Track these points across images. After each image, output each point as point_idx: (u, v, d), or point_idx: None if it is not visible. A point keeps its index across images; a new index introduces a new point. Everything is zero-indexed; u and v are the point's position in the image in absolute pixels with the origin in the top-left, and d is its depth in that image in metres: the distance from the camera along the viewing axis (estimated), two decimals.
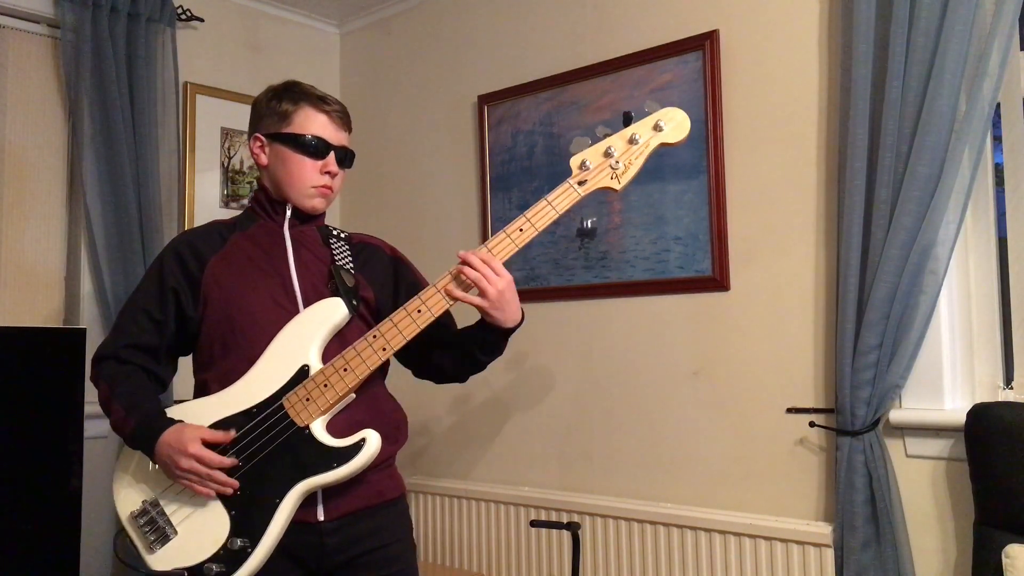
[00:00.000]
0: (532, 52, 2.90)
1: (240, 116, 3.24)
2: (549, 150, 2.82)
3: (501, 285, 1.63)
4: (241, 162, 3.26)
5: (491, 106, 2.99)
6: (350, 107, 3.84)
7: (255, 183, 1.81)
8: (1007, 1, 1.92)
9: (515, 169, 2.91)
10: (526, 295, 2.84)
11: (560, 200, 1.64)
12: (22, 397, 2.37)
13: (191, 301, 1.70)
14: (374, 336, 1.63)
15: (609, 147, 1.64)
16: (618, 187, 1.64)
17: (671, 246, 2.52)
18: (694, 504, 2.43)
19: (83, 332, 2.50)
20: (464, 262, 1.63)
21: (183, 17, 3.02)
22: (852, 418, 2.08)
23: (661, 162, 2.54)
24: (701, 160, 2.45)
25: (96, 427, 2.73)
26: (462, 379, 1.87)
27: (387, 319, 1.64)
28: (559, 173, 2.77)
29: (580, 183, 1.64)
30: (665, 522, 2.41)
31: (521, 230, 1.63)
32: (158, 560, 1.60)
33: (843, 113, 2.14)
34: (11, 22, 2.76)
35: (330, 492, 1.63)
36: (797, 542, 2.18)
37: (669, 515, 2.41)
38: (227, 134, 3.22)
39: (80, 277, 2.79)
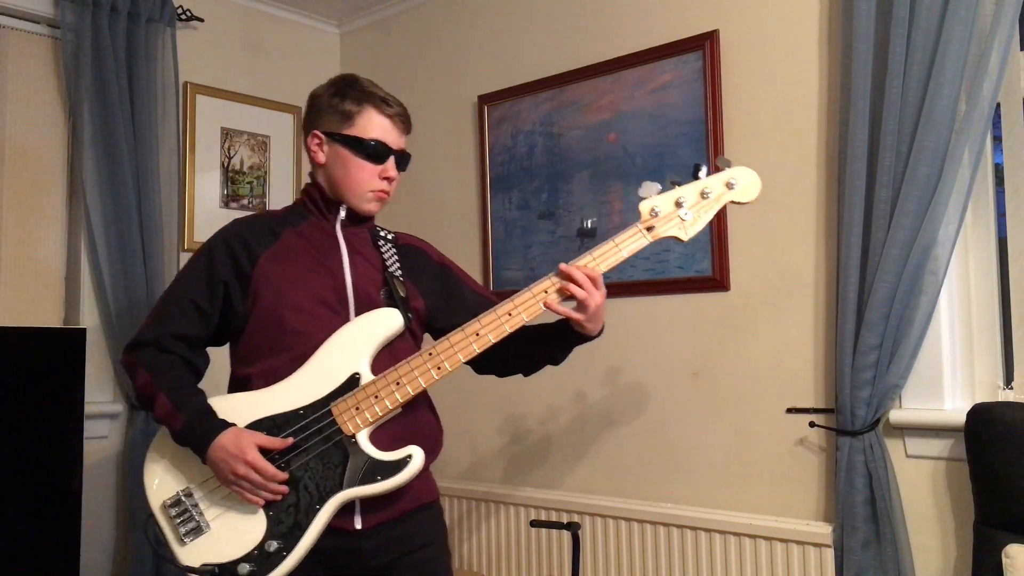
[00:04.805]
0: (532, 52, 2.90)
1: (240, 116, 3.25)
2: (549, 150, 2.82)
3: (600, 299, 1.63)
4: (241, 162, 3.26)
5: (491, 106, 2.99)
6: None
7: (309, 177, 1.77)
8: (1007, 1, 1.92)
9: (515, 169, 2.91)
10: None
11: (627, 243, 1.64)
12: (22, 397, 2.37)
13: (240, 295, 1.67)
14: (429, 354, 1.61)
15: (680, 197, 1.65)
16: (684, 239, 1.65)
17: (671, 246, 2.52)
18: (694, 504, 2.43)
19: (83, 332, 2.50)
20: (569, 277, 1.61)
21: (183, 17, 3.02)
22: (852, 418, 2.08)
23: (661, 162, 2.54)
24: (701, 160, 2.44)
25: (96, 427, 2.74)
26: (527, 374, 1.86)
27: (444, 339, 1.62)
28: (559, 173, 2.79)
29: (648, 228, 1.64)
30: (665, 522, 2.41)
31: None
32: (188, 553, 1.58)
33: (843, 113, 2.14)
34: (11, 22, 2.75)
35: (368, 502, 1.61)
36: (797, 542, 2.18)
37: (669, 515, 2.41)
38: (227, 134, 3.22)
39: (80, 277, 2.79)
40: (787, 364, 2.30)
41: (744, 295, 2.39)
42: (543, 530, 2.63)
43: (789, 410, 2.28)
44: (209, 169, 3.16)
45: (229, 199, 3.22)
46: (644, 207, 1.65)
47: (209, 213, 3.14)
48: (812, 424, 2.22)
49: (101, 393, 2.78)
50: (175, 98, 2.96)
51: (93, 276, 2.76)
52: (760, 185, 1.67)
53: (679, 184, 1.67)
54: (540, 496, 2.70)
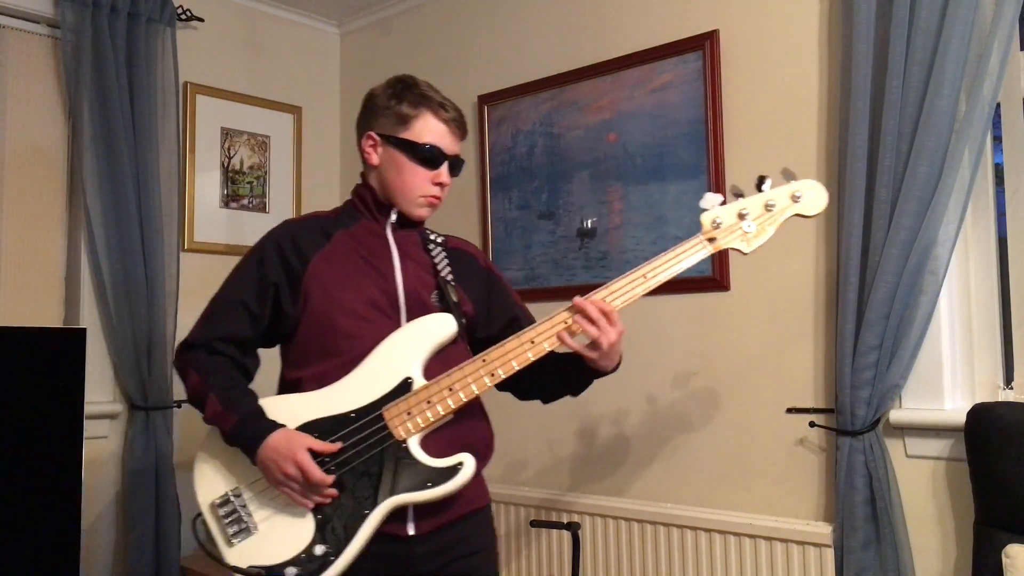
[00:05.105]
0: (532, 52, 2.90)
1: (240, 116, 3.25)
2: (549, 150, 2.82)
3: (614, 337, 1.59)
4: (241, 162, 3.26)
5: (491, 106, 2.99)
6: (350, 107, 3.83)
7: (361, 178, 1.77)
8: (1007, 1, 1.92)
9: (515, 169, 2.91)
10: (526, 295, 2.85)
11: (688, 254, 1.63)
12: (22, 397, 2.37)
13: (290, 298, 1.65)
14: (483, 361, 1.59)
15: (743, 209, 1.62)
16: (747, 251, 1.63)
17: (671, 246, 2.51)
18: (694, 504, 2.43)
19: (83, 332, 2.50)
20: (581, 312, 1.58)
21: (183, 17, 3.02)
22: (852, 418, 2.08)
23: (661, 162, 2.54)
24: (701, 160, 2.45)
25: (96, 427, 2.74)
26: (546, 402, 1.85)
27: (498, 346, 1.60)
28: (559, 173, 2.79)
29: (710, 240, 1.63)
30: (665, 522, 2.41)
31: (645, 277, 1.62)
32: (235, 554, 1.56)
33: (843, 113, 2.14)
34: (11, 22, 2.76)
35: (421, 508, 1.59)
36: (797, 542, 2.18)
37: (669, 515, 2.41)
38: (227, 134, 3.22)
39: (80, 277, 2.79)
40: (787, 364, 2.30)
41: (744, 295, 2.39)
42: (543, 530, 2.63)
43: (789, 410, 2.28)
44: (209, 169, 3.16)
45: (229, 199, 3.22)
46: (706, 219, 1.63)
47: (209, 213, 3.14)
48: (812, 424, 2.22)
49: (101, 393, 2.78)
50: (175, 98, 2.96)
51: (93, 276, 2.76)
52: (827, 198, 1.64)
53: (742, 196, 1.64)
54: (540, 496, 2.70)
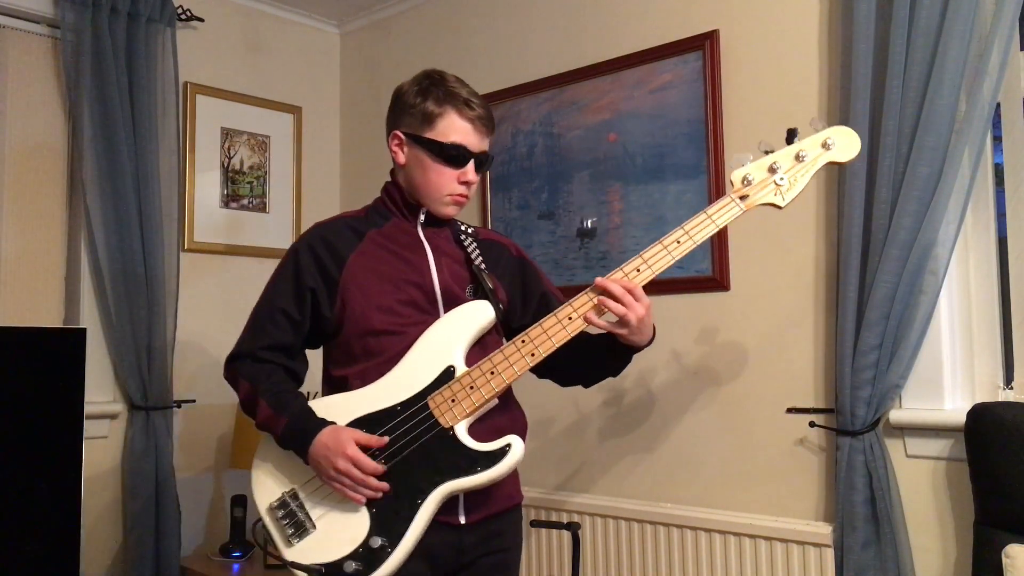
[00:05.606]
0: (532, 52, 2.90)
1: (240, 116, 3.25)
2: (549, 150, 2.82)
3: (642, 312, 1.58)
4: (241, 162, 3.26)
5: (491, 106, 2.98)
6: (350, 107, 3.83)
7: (390, 175, 1.79)
8: (1007, 1, 1.92)
9: (515, 169, 2.91)
10: None
11: (720, 214, 1.60)
12: (22, 397, 2.37)
13: (328, 301, 1.68)
14: (523, 341, 1.60)
15: (774, 163, 1.60)
16: (782, 204, 1.61)
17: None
18: (694, 504, 2.43)
19: (83, 332, 2.50)
20: (605, 291, 1.58)
21: (183, 17, 3.02)
22: (852, 418, 2.08)
23: (661, 162, 2.54)
24: (701, 160, 2.45)
25: (96, 427, 2.74)
26: (587, 386, 1.88)
27: (536, 325, 1.61)
28: (559, 173, 2.78)
29: (742, 197, 1.60)
30: (665, 522, 2.41)
31: (679, 242, 1.60)
32: (295, 553, 1.59)
33: (843, 113, 2.14)
34: (11, 22, 2.76)
35: (472, 497, 1.62)
36: (797, 542, 2.18)
37: (669, 515, 2.41)
38: (227, 134, 3.22)
39: (80, 277, 2.79)
40: (787, 364, 2.30)
41: (744, 295, 2.39)
42: (543, 530, 2.63)
43: (789, 410, 2.28)
44: (209, 169, 3.16)
45: (229, 199, 3.22)
46: (736, 176, 1.61)
47: (209, 213, 3.14)
48: (812, 424, 2.22)
49: (101, 393, 2.78)
50: (175, 98, 2.96)
51: (93, 276, 2.76)
52: (859, 144, 1.61)
53: (771, 151, 1.61)
54: (540, 496, 2.70)
